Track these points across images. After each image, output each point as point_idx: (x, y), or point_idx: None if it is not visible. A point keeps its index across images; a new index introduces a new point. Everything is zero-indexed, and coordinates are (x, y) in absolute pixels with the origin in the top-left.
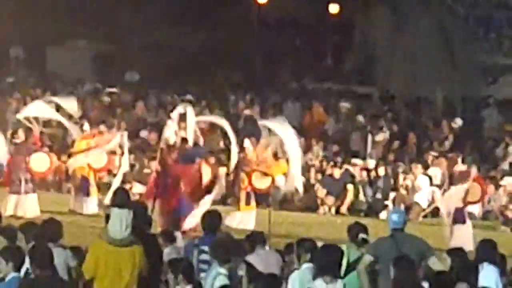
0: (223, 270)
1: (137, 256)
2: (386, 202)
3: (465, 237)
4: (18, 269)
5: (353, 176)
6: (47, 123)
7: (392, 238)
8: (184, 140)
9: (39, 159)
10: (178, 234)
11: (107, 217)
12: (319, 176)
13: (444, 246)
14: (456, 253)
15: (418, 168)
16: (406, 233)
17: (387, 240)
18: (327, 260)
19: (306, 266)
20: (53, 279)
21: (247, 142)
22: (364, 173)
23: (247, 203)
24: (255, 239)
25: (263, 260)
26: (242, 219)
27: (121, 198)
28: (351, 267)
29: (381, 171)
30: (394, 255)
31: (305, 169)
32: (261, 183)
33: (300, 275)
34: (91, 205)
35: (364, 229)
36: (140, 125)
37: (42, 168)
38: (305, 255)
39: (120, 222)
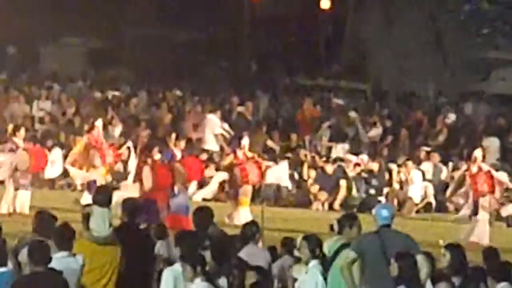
0: None
1: (118, 253)
2: (379, 198)
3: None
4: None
5: (345, 172)
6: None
7: (378, 234)
8: None
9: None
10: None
11: (86, 216)
12: (312, 172)
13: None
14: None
15: (410, 163)
16: (392, 229)
17: (372, 236)
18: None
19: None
20: (51, 275)
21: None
22: (358, 169)
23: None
24: (247, 235)
25: (251, 256)
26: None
27: (104, 196)
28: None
29: (374, 166)
30: (379, 251)
31: (298, 164)
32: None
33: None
34: None
35: (353, 219)
36: (133, 122)
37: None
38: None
39: (103, 221)
